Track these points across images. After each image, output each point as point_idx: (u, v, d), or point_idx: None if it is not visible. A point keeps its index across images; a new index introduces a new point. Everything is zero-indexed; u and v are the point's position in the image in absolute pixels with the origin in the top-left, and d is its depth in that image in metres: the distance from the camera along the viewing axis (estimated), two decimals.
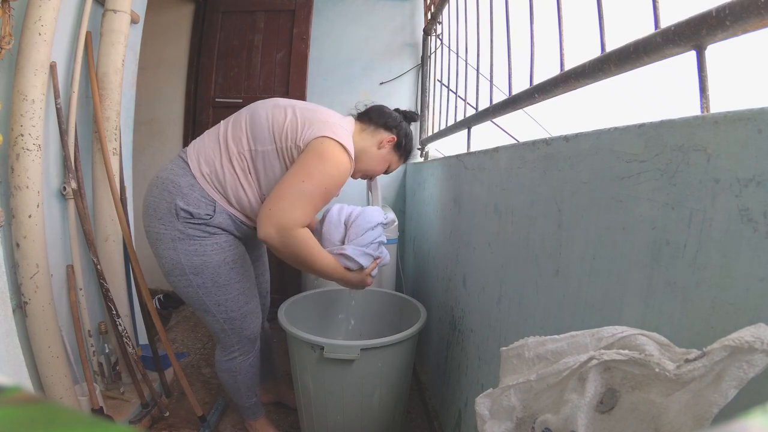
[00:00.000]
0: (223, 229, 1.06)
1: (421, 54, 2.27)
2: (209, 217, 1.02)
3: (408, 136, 1.19)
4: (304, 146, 0.99)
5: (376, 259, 1.13)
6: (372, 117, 1.16)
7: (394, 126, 1.16)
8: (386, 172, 1.24)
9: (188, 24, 2.38)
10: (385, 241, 1.19)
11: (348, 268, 1.08)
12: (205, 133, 1.11)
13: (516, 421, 0.44)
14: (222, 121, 1.11)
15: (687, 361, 0.30)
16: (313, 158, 0.97)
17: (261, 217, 0.94)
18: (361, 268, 1.09)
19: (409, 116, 1.22)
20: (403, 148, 1.19)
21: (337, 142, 0.98)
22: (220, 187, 1.03)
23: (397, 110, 1.22)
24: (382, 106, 1.20)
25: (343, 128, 1.05)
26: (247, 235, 1.16)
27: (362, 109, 1.21)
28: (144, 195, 1.07)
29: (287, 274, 2.33)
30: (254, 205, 1.05)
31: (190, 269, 1.02)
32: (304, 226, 0.96)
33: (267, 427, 1.33)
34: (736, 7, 0.37)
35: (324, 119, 1.02)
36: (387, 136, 1.14)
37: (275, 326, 1.29)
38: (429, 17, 2.06)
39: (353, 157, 1.04)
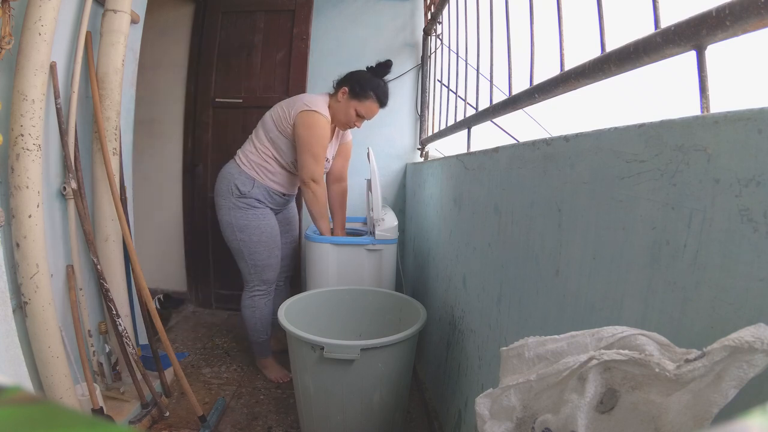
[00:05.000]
0: (260, 201, 1.57)
1: (421, 54, 2.27)
2: (248, 191, 1.55)
3: (360, 81, 1.53)
4: (293, 121, 1.50)
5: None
6: (335, 85, 1.59)
7: (345, 81, 1.55)
8: (365, 117, 1.56)
9: (188, 24, 2.38)
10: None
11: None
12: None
13: (516, 421, 0.44)
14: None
15: (687, 361, 0.30)
16: (304, 130, 1.48)
17: (301, 176, 1.52)
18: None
19: (375, 68, 1.57)
20: (357, 92, 1.52)
21: (311, 110, 1.48)
22: (257, 167, 1.57)
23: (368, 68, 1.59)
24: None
25: (314, 98, 1.52)
26: (279, 204, 1.67)
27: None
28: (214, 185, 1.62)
29: None
30: (277, 171, 1.59)
31: (237, 228, 1.55)
32: (322, 174, 1.53)
33: (274, 364, 1.73)
34: (736, 7, 0.37)
35: (297, 99, 1.54)
36: (342, 90, 1.54)
37: (293, 293, 1.51)
38: (429, 17, 2.06)
39: (327, 114, 1.51)
